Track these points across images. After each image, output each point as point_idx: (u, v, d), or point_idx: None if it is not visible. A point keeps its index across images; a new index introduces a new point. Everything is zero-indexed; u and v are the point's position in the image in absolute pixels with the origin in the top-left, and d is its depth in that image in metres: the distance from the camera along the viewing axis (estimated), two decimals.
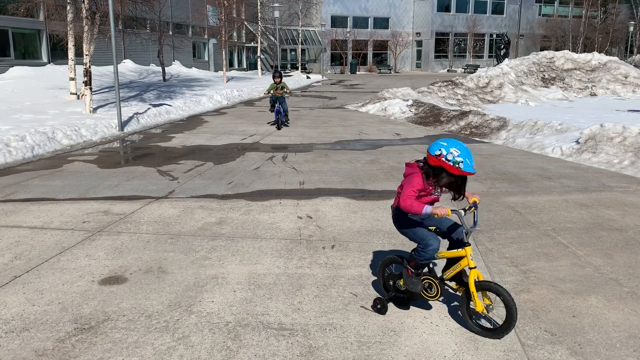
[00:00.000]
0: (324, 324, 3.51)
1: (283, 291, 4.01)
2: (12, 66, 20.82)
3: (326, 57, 59.70)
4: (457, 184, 3.30)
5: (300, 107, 20.09)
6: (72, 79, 16.81)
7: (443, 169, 3.16)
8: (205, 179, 7.84)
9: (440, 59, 61.93)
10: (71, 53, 16.40)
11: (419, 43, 62.77)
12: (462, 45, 62.57)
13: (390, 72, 58.48)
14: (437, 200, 3.42)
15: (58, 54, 23.21)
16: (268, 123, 14.58)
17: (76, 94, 16.80)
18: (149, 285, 4.11)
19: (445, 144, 3.16)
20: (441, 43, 61.41)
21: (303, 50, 56.30)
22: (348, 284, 4.15)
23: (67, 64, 17.36)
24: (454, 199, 3.41)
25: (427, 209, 3.15)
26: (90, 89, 14.30)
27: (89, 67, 14.44)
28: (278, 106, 13.59)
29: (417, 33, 62.34)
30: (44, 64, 22.80)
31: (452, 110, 16.42)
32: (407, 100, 18.05)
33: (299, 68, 51.15)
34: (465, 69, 56.09)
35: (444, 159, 3.13)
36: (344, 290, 4.04)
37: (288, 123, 14.41)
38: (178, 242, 5.09)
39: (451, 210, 3.19)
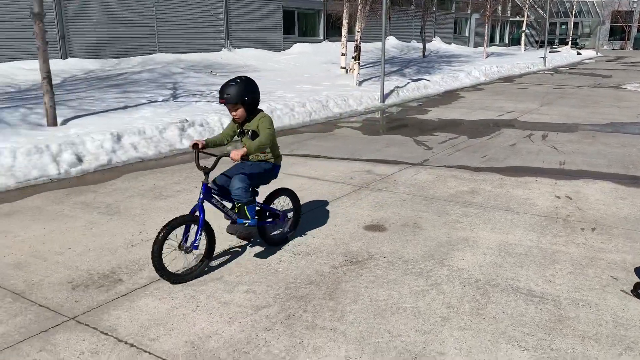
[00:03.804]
0: (577, 299, 3.45)
1: (534, 262, 4.03)
2: (295, 43, 23.91)
3: (604, 31, 52.70)
4: None
5: (566, 85, 18.46)
6: (343, 54, 18.56)
7: None
8: (459, 150, 8.02)
9: None
10: (344, 30, 18.08)
11: None
12: None
13: None
14: None
15: (331, 32, 25.74)
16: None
17: (345, 68, 18.52)
18: (405, 237, 4.57)
19: None
20: None
21: (575, 24, 50.75)
22: (608, 267, 3.93)
23: (339, 40, 19.21)
24: None
25: None
26: (359, 63, 15.62)
27: (359, 43, 15.75)
28: (214, 197, 3.87)
29: None
30: (320, 41, 25.58)
31: None
32: None
33: (569, 43, 46.41)
34: None
35: None
36: (602, 272, 3.86)
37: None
38: (431, 204, 5.45)
39: None
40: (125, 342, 2.99)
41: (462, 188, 6.05)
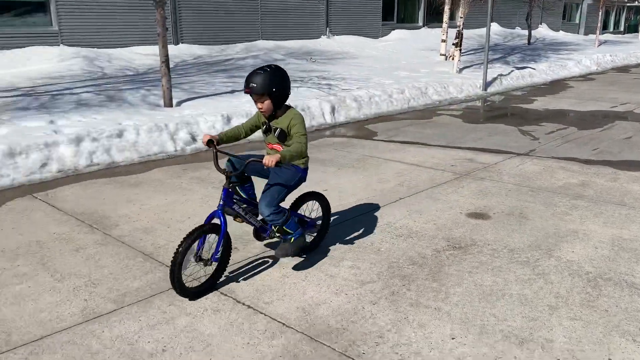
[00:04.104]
0: None
1: None
2: (393, 29, 23.68)
3: None
4: None
5: None
6: (443, 40, 18.16)
7: None
8: (568, 142, 7.65)
9: None
10: (446, 16, 17.67)
11: None
12: None
13: None
14: None
15: (430, 18, 25.21)
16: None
17: (445, 55, 18.11)
18: (510, 226, 4.50)
19: None
20: None
21: None
22: None
23: (438, 27, 18.81)
24: None
25: None
26: (460, 50, 15.23)
27: (462, 29, 15.33)
28: (237, 202, 3.56)
29: None
30: (419, 27, 25.14)
31: None
32: None
33: None
34: None
35: None
36: None
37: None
38: (538, 195, 5.29)
39: None
40: (243, 304, 3.26)
41: (572, 180, 5.80)
